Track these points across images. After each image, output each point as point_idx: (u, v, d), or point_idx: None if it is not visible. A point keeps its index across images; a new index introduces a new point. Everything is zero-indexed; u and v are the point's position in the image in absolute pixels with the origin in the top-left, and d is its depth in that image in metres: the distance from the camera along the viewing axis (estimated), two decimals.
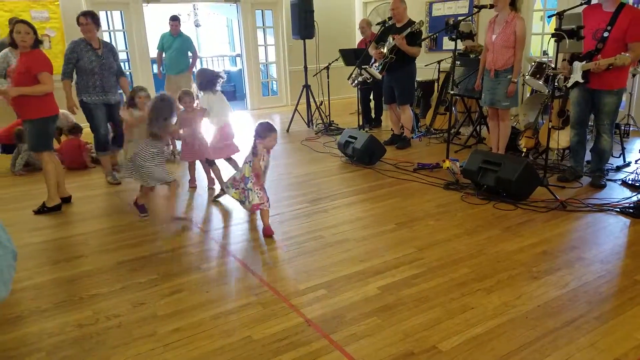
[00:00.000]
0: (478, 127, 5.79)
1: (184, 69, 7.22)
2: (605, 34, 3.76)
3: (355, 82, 6.06)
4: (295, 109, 7.17)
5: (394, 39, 5.33)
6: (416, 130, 6.37)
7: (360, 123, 6.70)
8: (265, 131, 3.28)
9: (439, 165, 4.74)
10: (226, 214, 3.93)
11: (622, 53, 3.61)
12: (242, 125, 7.01)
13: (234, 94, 11.05)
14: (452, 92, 4.85)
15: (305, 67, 7.03)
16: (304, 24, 6.78)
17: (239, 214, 3.86)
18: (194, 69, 7.27)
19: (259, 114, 9.04)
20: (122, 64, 5.11)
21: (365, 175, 4.81)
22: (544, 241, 3.10)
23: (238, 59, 10.86)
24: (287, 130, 7.14)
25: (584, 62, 3.90)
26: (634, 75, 5.61)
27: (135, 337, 2.26)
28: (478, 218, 3.54)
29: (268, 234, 3.37)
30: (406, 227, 3.44)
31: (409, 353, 2.07)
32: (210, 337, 2.24)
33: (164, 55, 7.25)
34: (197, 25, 12.04)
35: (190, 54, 7.29)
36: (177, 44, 7.11)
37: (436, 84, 6.99)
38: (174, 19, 7.05)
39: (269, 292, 2.62)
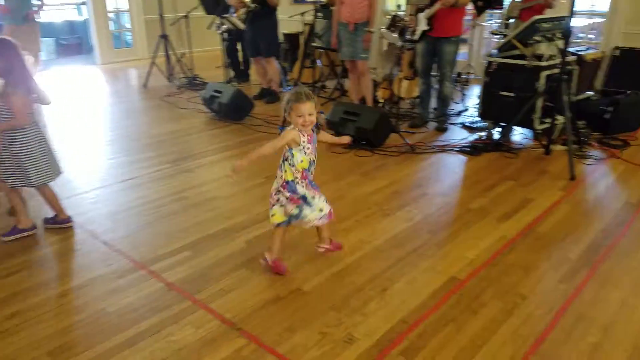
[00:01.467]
0: (341, 80, 5.99)
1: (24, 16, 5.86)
2: None
3: (220, 29, 5.76)
4: (153, 62, 6.64)
5: None
6: (284, 84, 6.39)
7: (228, 76, 6.50)
8: (288, 101, 2.14)
9: None
10: (68, 183, 3.42)
11: None
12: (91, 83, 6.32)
13: (79, 46, 9.84)
14: (315, 45, 4.92)
15: (162, 15, 6.50)
16: None
17: (89, 179, 3.53)
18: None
19: (112, 68, 8.24)
20: None
21: (234, 131, 4.73)
22: (395, 182, 3.41)
23: (83, 7, 9.63)
24: (145, 86, 6.63)
25: (426, 11, 4.25)
26: (473, 27, 6.25)
27: None
28: (341, 166, 3.74)
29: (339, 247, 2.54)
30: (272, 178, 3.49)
31: (276, 298, 2.17)
32: (56, 316, 2.07)
33: None
34: None
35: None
36: None
37: (301, 37, 7.00)
38: None
39: (124, 260, 2.48)
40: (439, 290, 2.19)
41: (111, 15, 8.88)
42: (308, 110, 2.13)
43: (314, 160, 2.28)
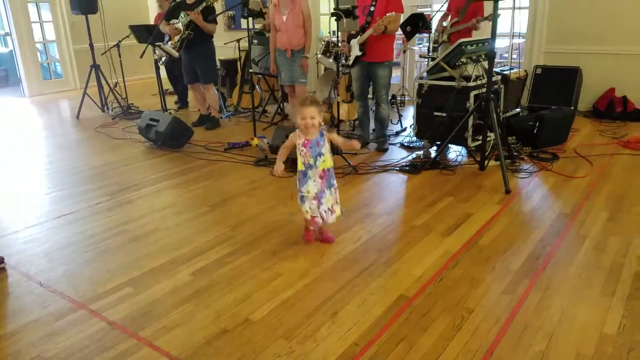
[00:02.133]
0: (282, 105, 6.02)
1: None
2: (372, 9, 4.31)
3: (162, 60, 5.63)
4: (85, 92, 6.37)
5: (188, 14, 5.12)
6: (224, 109, 6.32)
7: (163, 105, 6.34)
8: (297, 106, 2.56)
9: (248, 143, 4.80)
10: (6, 220, 3.27)
11: (386, 14, 4.14)
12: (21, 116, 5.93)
13: (6, 79, 9.29)
14: (252, 71, 4.92)
15: (92, 45, 6.28)
16: None
17: (22, 217, 3.28)
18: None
19: (42, 100, 7.80)
20: None
21: (173, 159, 4.58)
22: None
23: (8, 38, 9.11)
24: (78, 117, 6.34)
25: (358, 37, 4.38)
26: (404, 52, 6.53)
27: None
28: (285, 190, 3.70)
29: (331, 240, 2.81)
30: (220, 207, 3.40)
31: (223, 331, 2.07)
32: None
33: None
34: None
35: None
36: None
37: (238, 63, 7.00)
38: None
39: (62, 301, 2.31)
40: (389, 310, 2.18)
41: (39, 46, 8.46)
42: (310, 114, 2.48)
43: (310, 164, 2.59)
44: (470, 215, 3.15)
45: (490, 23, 5.01)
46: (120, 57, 6.30)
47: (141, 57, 5.47)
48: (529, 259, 2.59)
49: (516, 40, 6.26)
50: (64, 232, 3.07)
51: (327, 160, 2.65)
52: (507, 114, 4.81)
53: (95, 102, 6.48)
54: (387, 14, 4.13)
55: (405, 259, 2.62)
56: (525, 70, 5.51)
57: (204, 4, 5.09)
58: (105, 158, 4.65)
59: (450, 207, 3.29)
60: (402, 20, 4.74)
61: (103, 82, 6.44)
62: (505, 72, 4.85)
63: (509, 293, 2.29)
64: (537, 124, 4.41)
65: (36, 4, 8.27)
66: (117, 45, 6.24)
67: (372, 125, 4.94)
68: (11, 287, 2.47)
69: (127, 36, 6.28)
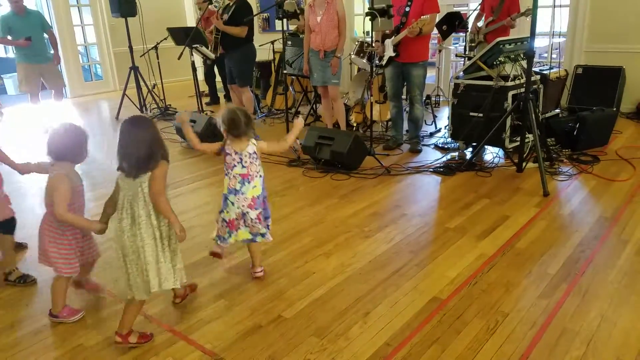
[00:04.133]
0: (315, 106, 6.05)
1: (49, 55, 5.67)
2: (407, 9, 4.26)
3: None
4: (124, 93, 6.59)
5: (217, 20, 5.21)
6: (258, 111, 6.40)
7: (199, 106, 6.49)
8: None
9: None
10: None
11: (422, 17, 4.11)
12: (63, 117, 6.19)
13: None
14: (286, 72, 4.98)
15: (131, 47, 6.48)
16: (123, 0, 6.22)
17: None
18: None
19: (83, 101, 8.11)
20: None
21: (209, 159, 4.67)
22: (374, 204, 3.41)
23: None
24: (117, 118, 6.56)
25: (392, 38, 4.34)
26: (440, 51, 6.44)
27: None
28: (318, 190, 3.73)
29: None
30: None
31: (257, 326, 2.11)
32: (33, 354, 1.98)
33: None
34: None
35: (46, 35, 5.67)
36: (33, 25, 5.46)
37: (273, 64, 7.08)
38: None
39: (104, 295, 2.41)
40: (421, 311, 2.16)
41: (80, 48, 8.81)
42: None
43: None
44: (507, 218, 3.08)
45: (528, 20, 4.93)
46: (158, 59, 6.47)
47: (179, 59, 5.62)
48: (567, 263, 2.51)
49: (556, 39, 6.08)
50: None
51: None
52: (546, 115, 4.68)
53: (134, 103, 6.68)
54: (422, 17, 4.09)
55: (438, 261, 2.59)
56: (566, 70, 5.34)
57: (231, 9, 5.14)
58: None
59: (486, 209, 3.23)
60: (437, 20, 4.68)
61: (142, 83, 6.63)
62: (545, 72, 4.72)
63: (546, 297, 2.23)
64: (577, 126, 4.27)
65: (78, 7, 8.60)
66: (156, 48, 6.42)
67: (405, 126, 4.90)
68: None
69: (165, 38, 6.44)
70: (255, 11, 5.85)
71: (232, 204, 2.32)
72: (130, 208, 1.92)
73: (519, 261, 2.56)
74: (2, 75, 9.00)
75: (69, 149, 2.10)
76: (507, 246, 2.73)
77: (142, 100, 6.74)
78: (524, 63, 4.00)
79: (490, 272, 2.47)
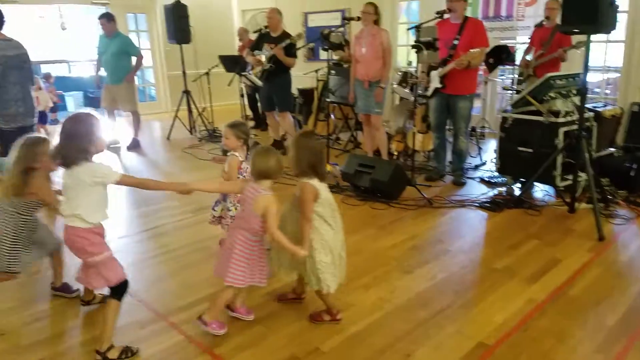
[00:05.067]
0: (355, 133, 6.06)
1: (122, 76, 5.96)
2: (455, 42, 4.20)
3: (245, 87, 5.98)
4: (176, 116, 6.85)
5: (271, 48, 5.35)
6: None
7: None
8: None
9: None
10: None
11: (470, 50, 4.04)
12: (117, 134, 6.46)
13: None
14: (328, 100, 5.02)
15: (184, 72, 6.76)
16: (179, 28, 6.55)
17: (112, 229, 3.50)
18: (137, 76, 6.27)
19: None
20: None
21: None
22: (414, 237, 3.31)
23: None
24: (168, 138, 6.82)
25: (439, 70, 4.29)
26: (486, 83, 6.34)
27: None
28: (356, 218, 3.67)
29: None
30: None
31: (293, 357, 2.05)
32: None
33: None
34: (63, 29, 10.95)
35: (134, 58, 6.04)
36: (113, 47, 5.86)
37: (315, 92, 7.17)
38: (101, 17, 5.82)
39: (146, 311, 2.43)
40: (467, 357, 2.04)
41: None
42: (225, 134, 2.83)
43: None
44: (559, 261, 2.91)
45: (579, 53, 4.77)
46: (209, 84, 6.71)
47: (229, 85, 5.80)
48: (627, 315, 2.33)
49: (609, 75, 5.86)
50: (149, 245, 3.25)
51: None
52: (600, 154, 4.46)
53: (184, 125, 6.94)
54: (472, 50, 4.03)
55: (485, 304, 2.46)
56: (621, 108, 5.11)
57: (287, 41, 5.31)
58: (191, 177, 4.90)
59: (536, 250, 3.07)
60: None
61: (192, 106, 6.88)
62: (599, 109, 4.53)
63: (602, 352, 2.06)
64: (634, 166, 4.05)
65: (137, 33, 9.08)
66: (207, 73, 6.66)
67: (448, 157, 4.80)
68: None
69: (216, 65, 6.69)
70: (301, 43, 5.99)
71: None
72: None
73: (573, 309, 2.40)
74: (64, 93, 9.55)
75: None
76: (559, 292, 2.56)
77: (192, 122, 7.00)
78: (576, 99, 3.86)
79: (540, 319, 2.32)
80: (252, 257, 2.16)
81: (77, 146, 1.96)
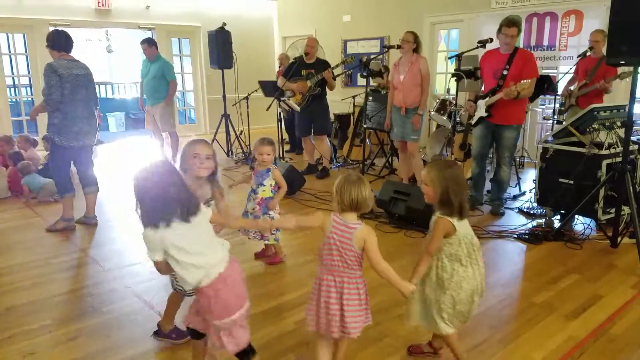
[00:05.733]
0: (390, 159, 6.08)
1: (160, 98, 6.25)
2: (505, 72, 4.19)
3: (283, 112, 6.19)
4: (214, 138, 7.06)
5: (314, 73, 5.53)
6: (334, 160, 6.55)
7: (280, 154, 6.76)
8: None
9: None
10: (130, 251, 3.65)
11: (522, 81, 4.01)
12: (156, 154, 6.72)
13: None
14: (365, 126, 5.11)
15: (224, 96, 6.99)
16: (222, 54, 6.79)
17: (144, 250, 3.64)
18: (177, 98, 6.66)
19: None
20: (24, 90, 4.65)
21: (286, 205, 4.79)
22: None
23: None
24: None
25: (487, 99, 4.28)
26: (526, 112, 6.26)
27: None
28: (391, 246, 3.67)
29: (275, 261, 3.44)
30: None
31: None
32: None
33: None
34: (109, 51, 11.58)
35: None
36: (153, 71, 6.19)
37: (352, 117, 7.28)
38: (143, 42, 6.19)
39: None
40: None
41: (178, 94, 9.65)
42: (266, 151, 3.21)
43: (253, 189, 3.34)
44: (600, 297, 2.82)
45: (623, 83, 4.67)
46: (247, 108, 6.91)
47: (267, 110, 5.96)
48: None
49: None
50: None
51: (266, 190, 3.25)
52: None
53: (221, 147, 7.13)
54: (522, 81, 3.99)
55: (523, 340, 2.41)
56: None
57: (337, 66, 5.48)
58: (226, 198, 5.01)
59: (576, 286, 2.99)
60: None
61: (230, 129, 7.08)
62: None
63: None
64: None
65: (180, 57, 9.49)
66: (247, 98, 6.87)
67: (486, 186, 4.75)
68: (134, 313, 2.71)
69: (256, 90, 6.90)
70: (339, 68, 6.16)
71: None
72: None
73: (614, 349, 2.32)
74: (106, 114, 10.03)
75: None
76: (600, 330, 2.48)
77: (229, 145, 7.18)
78: (620, 131, 3.77)
79: (581, 358, 2.25)
80: (365, 296, 1.97)
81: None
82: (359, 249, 1.90)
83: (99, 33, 10.94)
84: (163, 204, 1.71)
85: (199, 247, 1.79)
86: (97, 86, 8.97)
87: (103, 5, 8.13)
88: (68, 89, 3.81)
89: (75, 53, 4.07)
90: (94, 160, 4.60)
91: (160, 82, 6.17)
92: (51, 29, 4.64)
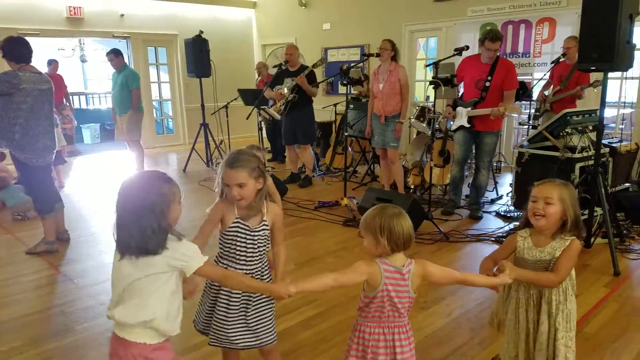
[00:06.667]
0: (372, 166, 6.15)
1: (127, 108, 6.19)
2: (487, 84, 4.27)
3: (263, 121, 6.19)
4: (193, 148, 7.01)
5: (293, 79, 5.54)
6: (317, 169, 6.58)
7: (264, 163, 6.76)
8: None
9: (338, 202, 4.92)
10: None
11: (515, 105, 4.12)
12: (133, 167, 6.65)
13: None
14: (347, 134, 5.16)
15: (203, 106, 6.96)
16: (200, 62, 6.74)
17: None
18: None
19: (153, 152, 8.68)
20: None
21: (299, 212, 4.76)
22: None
23: None
24: (184, 170, 6.94)
25: (469, 109, 4.35)
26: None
27: None
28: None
29: None
30: (306, 266, 3.48)
31: None
32: None
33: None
34: (83, 61, 11.43)
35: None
36: (119, 81, 6.14)
37: (334, 125, 7.33)
38: (109, 53, 6.14)
39: None
40: None
41: (155, 103, 9.56)
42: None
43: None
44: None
45: (595, 90, 4.83)
46: (227, 117, 6.88)
47: (247, 118, 5.96)
48: None
49: (624, 110, 5.90)
50: None
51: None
52: (616, 189, 4.46)
53: (201, 157, 7.08)
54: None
55: (502, 341, 2.45)
56: (637, 143, 5.12)
57: (308, 69, 5.50)
58: (205, 210, 4.99)
59: None
60: None
61: (210, 139, 7.03)
62: (614, 144, 4.56)
63: None
64: None
65: (157, 66, 9.40)
66: (226, 107, 6.85)
67: (464, 190, 4.84)
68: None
69: (235, 99, 6.89)
70: (320, 76, 6.19)
71: None
72: None
73: (588, 347, 2.39)
74: (80, 126, 9.85)
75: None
76: (575, 329, 2.55)
77: (209, 155, 7.13)
78: (592, 135, 3.90)
79: None
80: (413, 338, 1.74)
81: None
82: (415, 292, 1.67)
83: (72, 42, 10.79)
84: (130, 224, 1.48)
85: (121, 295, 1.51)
86: (70, 97, 8.77)
87: (75, 13, 7.86)
88: (29, 104, 3.48)
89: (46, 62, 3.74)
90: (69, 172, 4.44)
91: (126, 91, 6.13)
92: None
